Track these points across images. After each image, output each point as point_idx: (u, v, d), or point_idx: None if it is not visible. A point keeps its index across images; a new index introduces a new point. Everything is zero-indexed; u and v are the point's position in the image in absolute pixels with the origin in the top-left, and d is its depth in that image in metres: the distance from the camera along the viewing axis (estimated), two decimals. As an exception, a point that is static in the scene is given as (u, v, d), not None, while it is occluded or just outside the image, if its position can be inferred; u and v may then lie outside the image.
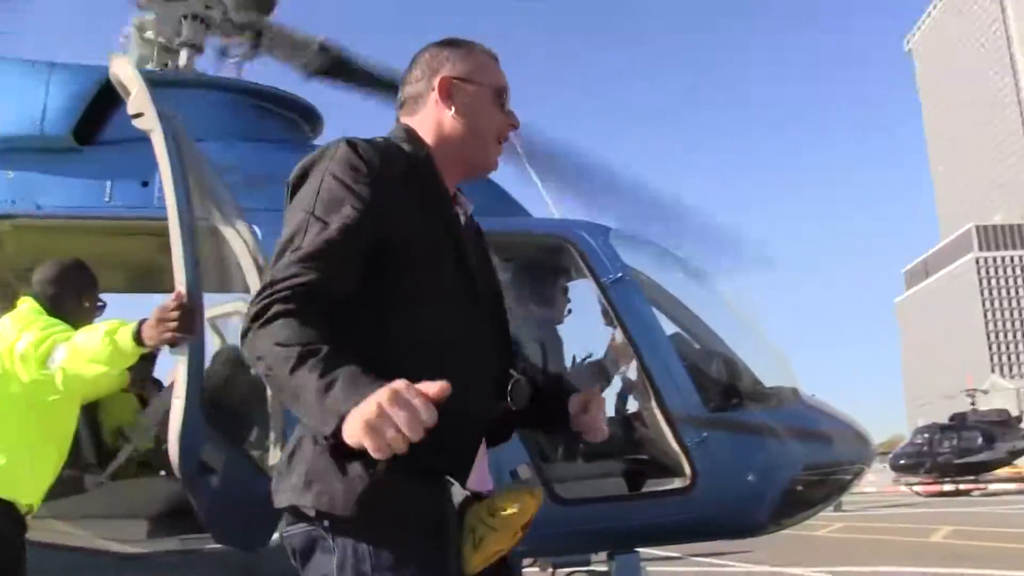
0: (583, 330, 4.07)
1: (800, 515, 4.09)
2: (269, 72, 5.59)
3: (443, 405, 1.16)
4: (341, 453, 1.30)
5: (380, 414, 1.11)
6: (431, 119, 1.63)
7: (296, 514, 1.42)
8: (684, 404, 3.49)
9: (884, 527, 16.28)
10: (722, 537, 4.11)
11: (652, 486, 3.56)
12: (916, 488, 31.36)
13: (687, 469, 3.42)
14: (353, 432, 1.13)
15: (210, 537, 2.86)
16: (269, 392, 1.49)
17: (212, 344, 4.26)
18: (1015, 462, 34.80)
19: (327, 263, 1.36)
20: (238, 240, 3.22)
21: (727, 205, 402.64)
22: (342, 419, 1.15)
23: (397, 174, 1.49)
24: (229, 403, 3.34)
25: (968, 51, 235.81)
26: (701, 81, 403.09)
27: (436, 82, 1.63)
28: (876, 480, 46.18)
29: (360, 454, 1.18)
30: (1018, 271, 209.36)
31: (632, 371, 3.74)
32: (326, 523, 1.37)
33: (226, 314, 4.53)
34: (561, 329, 4.04)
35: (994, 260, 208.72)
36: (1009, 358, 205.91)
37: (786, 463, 3.74)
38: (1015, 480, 34.51)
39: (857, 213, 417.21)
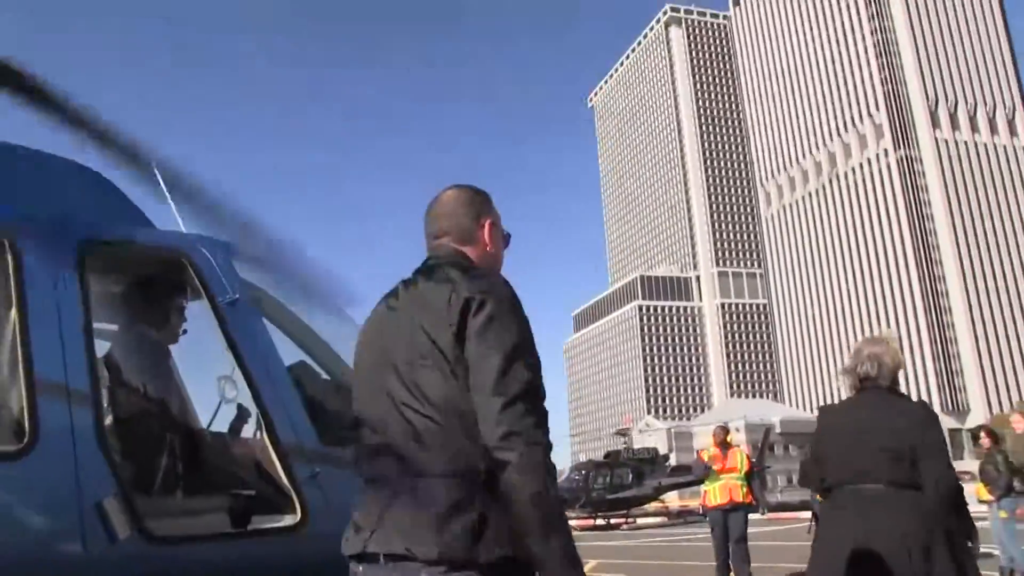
0: (196, 353, 3.75)
1: None
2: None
3: None
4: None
5: None
6: (479, 251, 2.19)
7: (453, 564, 1.79)
8: (297, 437, 3.28)
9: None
10: (337, 577, 3.93)
11: (259, 523, 3.32)
12: (572, 523, 33.36)
13: (297, 506, 3.23)
14: None
15: None
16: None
17: None
18: (661, 497, 38.25)
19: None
20: None
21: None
22: None
23: None
24: None
25: (641, 111, 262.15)
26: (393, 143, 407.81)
27: (485, 223, 2.21)
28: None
29: None
30: (674, 320, 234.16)
31: (247, 400, 3.46)
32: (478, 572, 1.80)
33: None
34: (175, 351, 3.71)
35: (655, 309, 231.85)
36: (663, 400, 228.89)
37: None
38: (660, 514, 38.05)
39: (539, 257, 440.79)
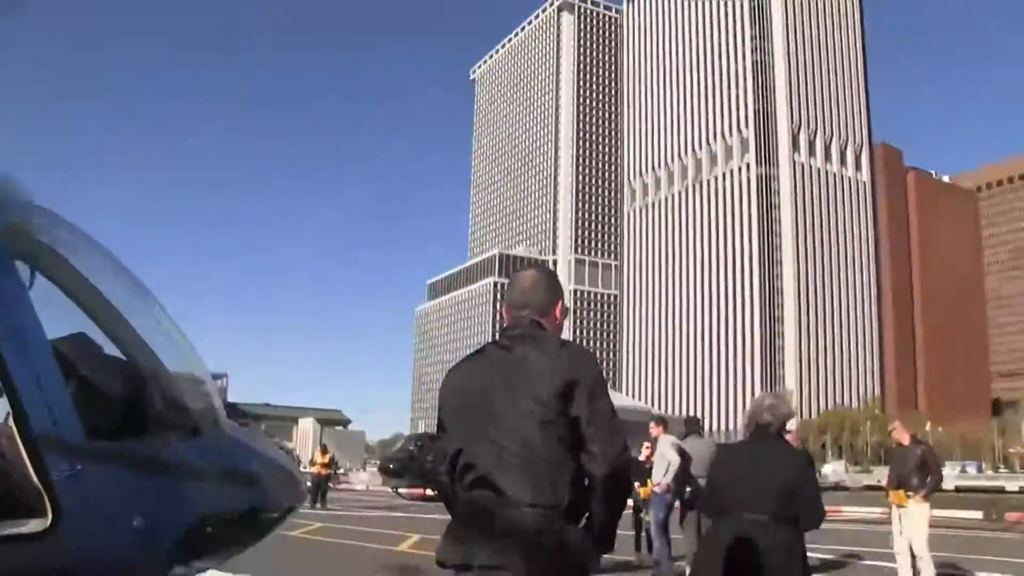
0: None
1: (208, 559, 3.50)
2: None
3: None
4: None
5: None
6: (551, 323, 2.73)
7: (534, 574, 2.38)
8: (55, 427, 2.67)
9: (360, 531, 16.67)
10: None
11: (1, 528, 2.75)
12: (401, 491, 33.18)
13: (48, 508, 2.67)
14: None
15: None
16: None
17: None
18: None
19: None
20: None
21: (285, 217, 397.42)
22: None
23: None
24: None
25: (522, 91, 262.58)
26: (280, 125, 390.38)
27: (558, 302, 2.77)
28: (368, 479, 48.33)
29: None
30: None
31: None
32: None
33: None
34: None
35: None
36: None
37: (188, 503, 3.15)
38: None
39: (402, 221, 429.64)
